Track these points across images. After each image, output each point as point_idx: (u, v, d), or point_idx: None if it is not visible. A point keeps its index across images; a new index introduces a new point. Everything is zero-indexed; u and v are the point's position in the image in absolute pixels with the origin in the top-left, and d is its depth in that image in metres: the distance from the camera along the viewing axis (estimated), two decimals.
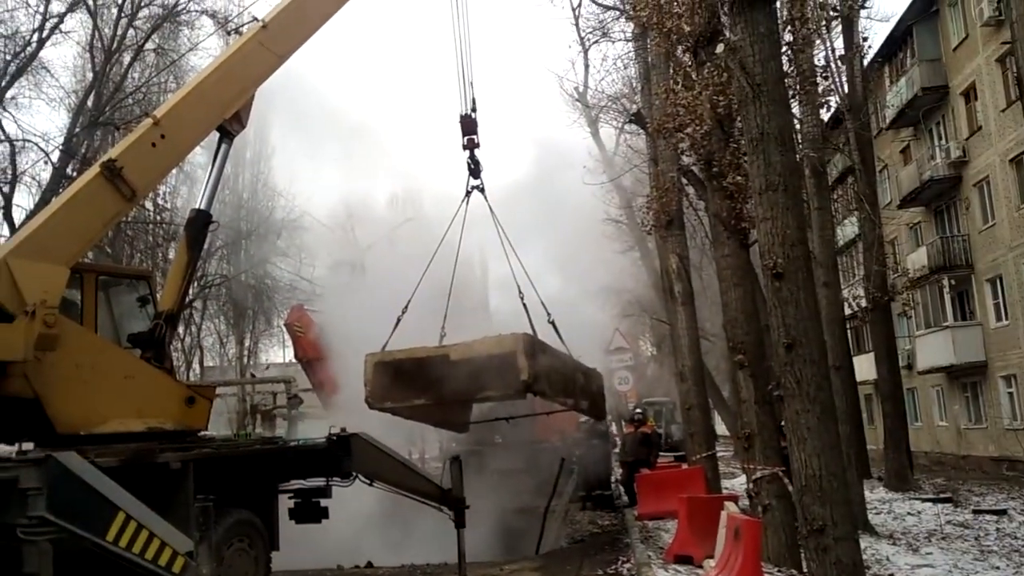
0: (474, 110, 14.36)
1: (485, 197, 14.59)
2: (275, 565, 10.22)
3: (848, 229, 29.45)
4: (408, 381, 12.16)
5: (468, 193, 14.39)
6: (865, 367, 29.24)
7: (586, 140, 28.47)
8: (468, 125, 14.35)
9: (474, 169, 14.43)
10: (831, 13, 13.51)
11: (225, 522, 9.02)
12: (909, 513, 16.30)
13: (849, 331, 25.20)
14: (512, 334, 11.71)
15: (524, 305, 13.18)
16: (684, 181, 16.51)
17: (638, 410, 20.96)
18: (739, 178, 11.14)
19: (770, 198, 7.58)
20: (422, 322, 14.04)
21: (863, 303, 22.54)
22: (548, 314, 13.52)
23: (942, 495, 19.00)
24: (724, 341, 28.85)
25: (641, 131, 20.50)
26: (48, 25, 22.72)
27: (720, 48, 10.82)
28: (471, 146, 14.41)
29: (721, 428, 36.04)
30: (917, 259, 29.15)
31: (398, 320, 13.06)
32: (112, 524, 7.23)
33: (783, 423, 8.69)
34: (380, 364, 12.15)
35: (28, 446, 8.99)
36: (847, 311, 23.21)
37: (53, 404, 8.43)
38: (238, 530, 9.42)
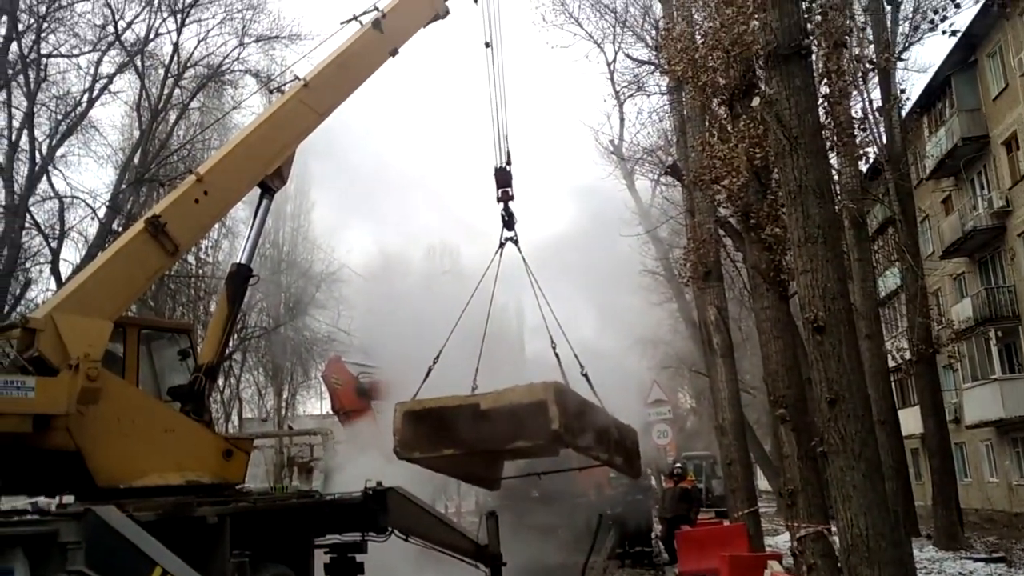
0: (509, 163, 14.51)
1: (519, 248, 14.64)
2: None
3: (890, 280, 29.06)
4: (438, 431, 12.04)
5: (502, 244, 14.47)
6: (911, 421, 28.58)
7: (622, 192, 28.57)
8: (502, 178, 14.49)
9: (508, 221, 14.53)
10: (867, 65, 13.50)
11: None
12: (960, 573, 15.75)
13: (893, 384, 24.66)
14: (543, 383, 11.57)
15: (556, 355, 13.09)
16: (721, 232, 16.43)
17: (678, 464, 20.62)
18: (777, 230, 11.05)
19: (809, 250, 7.48)
20: (456, 371, 14.01)
21: (907, 355, 22.14)
22: (581, 366, 13.40)
23: (995, 554, 18.32)
24: (765, 394, 28.38)
25: (677, 183, 20.52)
26: (98, 86, 23.52)
27: (756, 101, 10.84)
28: (505, 198, 14.53)
29: (763, 483, 35.36)
30: (962, 310, 28.60)
31: (429, 369, 13.03)
32: None
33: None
34: (410, 413, 12.05)
35: (68, 499, 9.08)
36: (891, 363, 22.78)
37: (94, 457, 8.51)
38: None
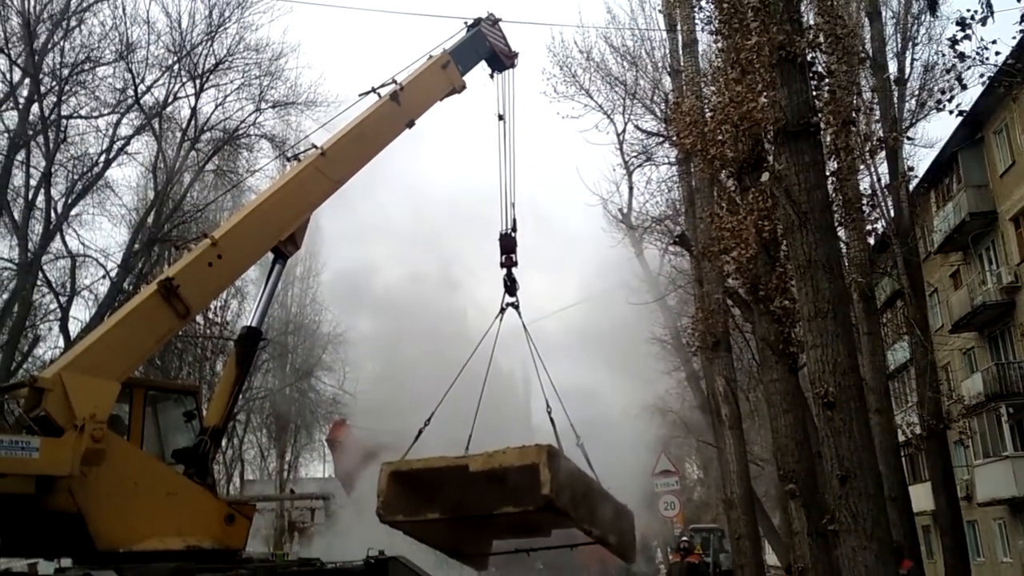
0: (514, 230, 14.68)
1: (519, 314, 14.68)
2: None
3: (899, 354, 28.90)
4: (423, 493, 11.74)
5: (502, 310, 14.50)
6: (922, 497, 28.10)
7: (631, 261, 28.66)
8: (507, 244, 14.64)
9: (510, 287, 14.62)
10: (875, 142, 13.65)
11: None
12: None
13: (904, 459, 24.36)
14: (536, 445, 11.33)
15: (552, 421, 12.95)
16: (730, 303, 16.44)
17: (684, 538, 20.29)
18: (786, 302, 11.07)
19: (819, 325, 7.48)
20: (458, 437, 13.89)
21: (917, 430, 21.87)
22: (577, 436, 13.20)
23: None
24: (773, 466, 27.99)
25: (685, 253, 20.61)
26: (115, 147, 23.93)
27: (765, 175, 10.95)
28: (509, 264, 14.66)
29: (772, 558, 34.63)
30: (972, 386, 28.36)
31: (419, 432, 12.90)
32: None
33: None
34: (396, 474, 11.76)
35: (66, 562, 8.95)
36: (901, 438, 22.52)
37: (95, 520, 8.42)
38: None
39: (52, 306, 23.43)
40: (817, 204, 7.79)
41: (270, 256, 11.95)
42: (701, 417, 35.05)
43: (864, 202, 13.45)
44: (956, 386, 28.43)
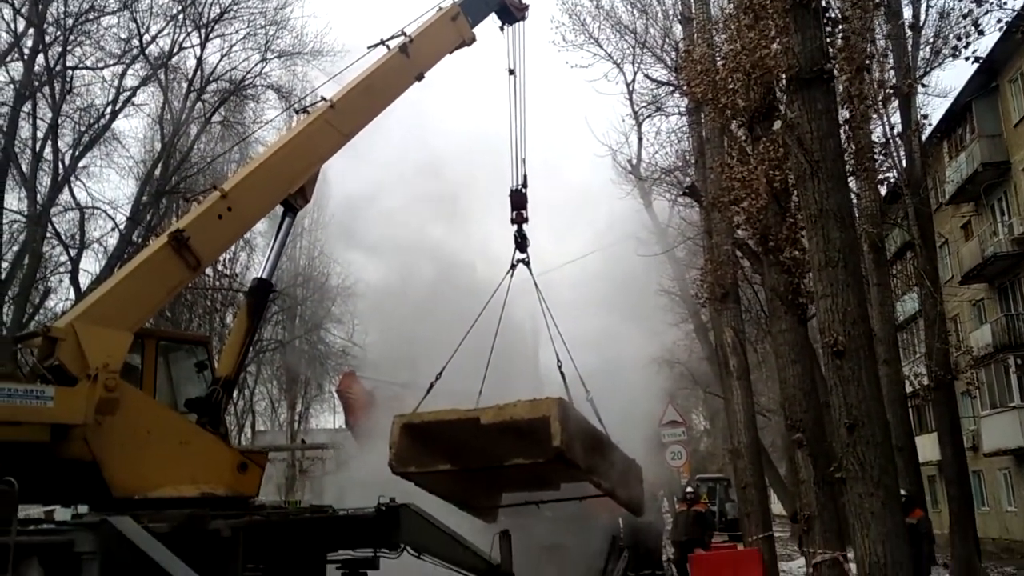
0: (524, 185, 14.60)
1: (530, 270, 14.69)
2: None
3: (908, 305, 28.86)
4: (435, 445, 11.86)
5: (513, 266, 14.52)
6: (928, 447, 28.30)
7: (639, 213, 28.54)
8: (518, 200, 14.58)
9: (520, 243, 14.60)
10: (889, 90, 13.47)
11: None
12: None
13: (910, 410, 24.46)
14: (547, 398, 11.42)
15: (562, 374, 13.03)
16: (739, 254, 16.40)
17: (689, 488, 20.45)
18: (796, 253, 11.03)
19: (829, 275, 7.46)
20: (468, 390, 13.97)
21: (924, 381, 21.93)
22: (586, 391, 13.28)
23: None
24: (780, 417, 28.13)
25: (695, 204, 20.50)
26: (121, 98, 23.80)
27: (776, 124, 10.84)
28: (519, 220, 14.61)
29: (777, 507, 35.03)
30: (981, 337, 28.36)
31: (431, 385, 12.99)
32: None
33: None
34: (408, 426, 11.88)
35: (83, 509, 9.10)
36: (908, 389, 22.57)
37: (110, 468, 8.53)
38: None
39: (62, 259, 23.55)
40: (829, 152, 7.72)
41: (280, 209, 11.96)
42: (708, 369, 35.22)
43: (877, 151, 13.30)
44: (964, 337, 28.41)
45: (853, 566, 8.91)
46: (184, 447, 9.36)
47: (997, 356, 27.11)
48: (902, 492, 13.45)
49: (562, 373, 13.07)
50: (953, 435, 20.55)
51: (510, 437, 11.31)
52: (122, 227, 22.79)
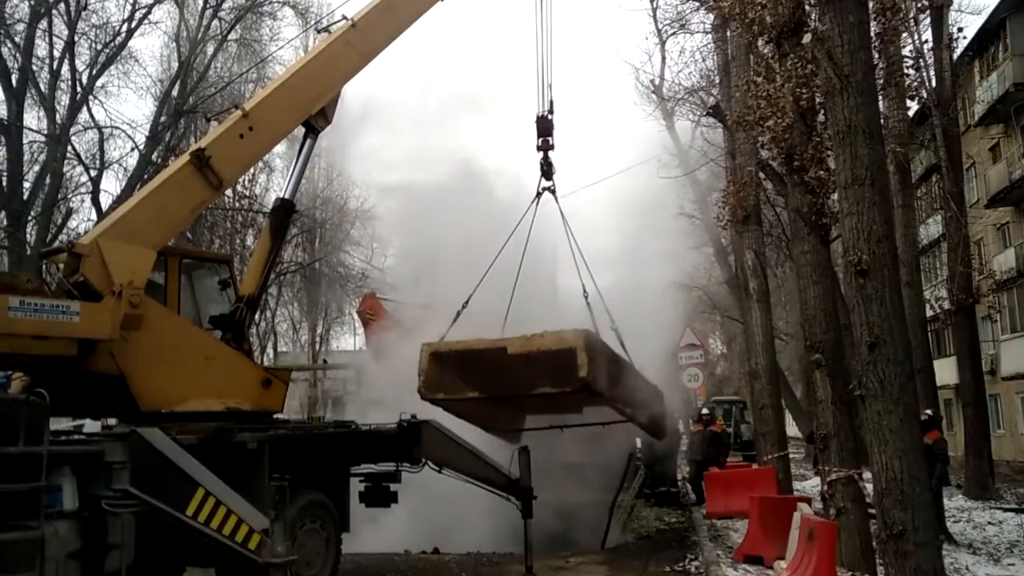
0: (551, 112, 14.36)
1: (556, 199, 14.58)
2: (345, 547, 10.37)
3: (932, 228, 28.54)
4: (463, 373, 12.05)
5: (539, 194, 14.41)
6: (945, 371, 28.31)
7: (661, 133, 28.15)
8: (544, 127, 14.35)
9: (547, 170, 14.44)
10: (923, 3, 13.05)
11: (298, 503, 9.19)
12: (990, 523, 15.72)
13: (930, 334, 24.42)
14: (574, 330, 11.53)
15: (588, 305, 13.07)
16: (762, 176, 16.17)
17: (705, 410, 20.64)
18: (821, 172, 10.87)
19: (856, 192, 7.34)
20: (486, 314, 14.05)
21: (945, 305, 21.84)
22: (612, 320, 13.36)
23: None
24: (797, 341, 28.14)
25: (719, 125, 20.16)
26: (137, 15, 23.47)
27: (805, 39, 10.55)
28: (545, 147, 14.42)
29: (792, 429, 35.35)
30: (1004, 261, 28.08)
31: (458, 313, 13.08)
32: (192, 500, 7.42)
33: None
34: (436, 355, 12.07)
35: (112, 421, 9.31)
36: (928, 313, 22.49)
37: (137, 382, 8.68)
38: (311, 511, 9.59)
39: (83, 179, 23.58)
40: (860, 66, 7.52)
41: (301, 131, 11.89)
42: (726, 293, 35.15)
43: (907, 66, 12.95)
44: (988, 261, 28.15)
45: (868, 485, 9.00)
46: (209, 363, 9.50)
47: (1020, 280, 26.90)
48: (928, 412, 13.57)
49: (588, 304, 13.13)
50: (972, 358, 20.56)
51: (536, 366, 11.49)
52: (141, 147, 22.75)
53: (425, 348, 12.15)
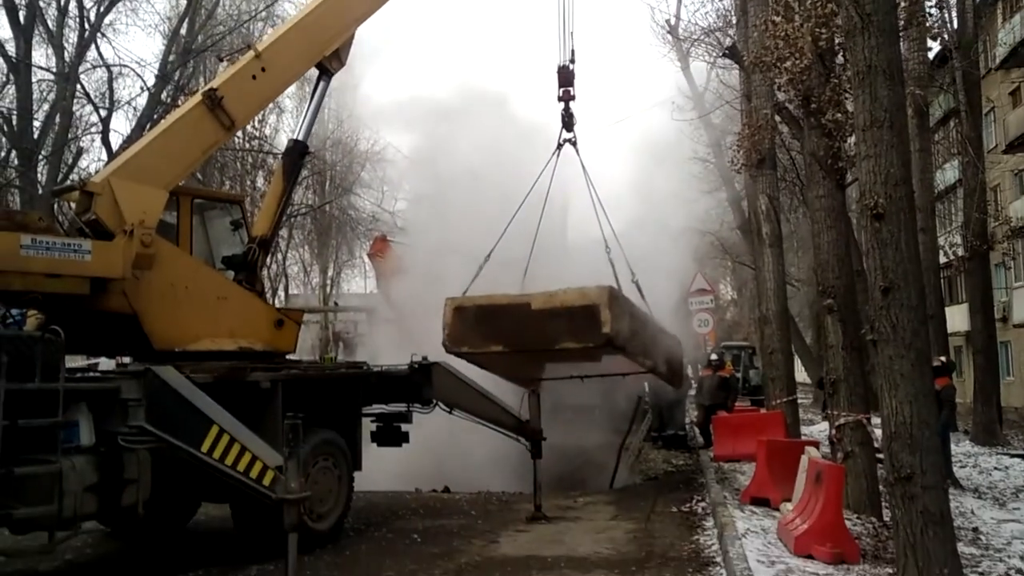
0: (572, 61, 14.11)
1: (577, 151, 14.42)
2: (357, 485, 10.53)
3: (948, 174, 28.21)
4: (486, 327, 12.18)
5: (560, 146, 14.26)
6: (957, 319, 28.29)
7: (676, 75, 27.77)
8: (565, 76, 14.12)
9: (568, 121, 14.25)
10: None
11: (311, 441, 9.29)
12: (996, 468, 15.83)
13: (942, 281, 24.31)
14: (597, 286, 11.61)
15: (611, 261, 13.10)
16: (778, 119, 15.96)
17: (714, 355, 20.69)
18: (838, 115, 10.71)
19: (874, 135, 7.20)
20: (504, 265, 14.03)
21: (959, 251, 21.71)
22: (632, 273, 13.41)
23: None
24: (808, 288, 28.06)
25: (735, 66, 19.84)
26: None
27: None
28: (567, 98, 14.20)
29: (801, 375, 35.47)
30: (1021, 207, 27.83)
31: (480, 267, 13.12)
32: (207, 436, 7.52)
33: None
34: (459, 309, 12.20)
35: (127, 360, 9.39)
36: (942, 260, 22.36)
37: (149, 321, 8.73)
38: (323, 449, 9.70)
39: (93, 118, 23.45)
40: (882, 5, 7.31)
41: (313, 74, 11.77)
42: (738, 239, 34.97)
43: (930, 5, 12.65)
44: (1004, 207, 27.87)
45: (877, 430, 9.04)
46: (222, 302, 9.54)
47: None
48: (941, 359, 13.58)
49: (610, 259, 13.13)
50: (984, 305, 20.51)
51: (559, 321, 11.61)
52: (151, 86, 22.57)
53: (449, 302, 12.29)
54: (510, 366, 13.22)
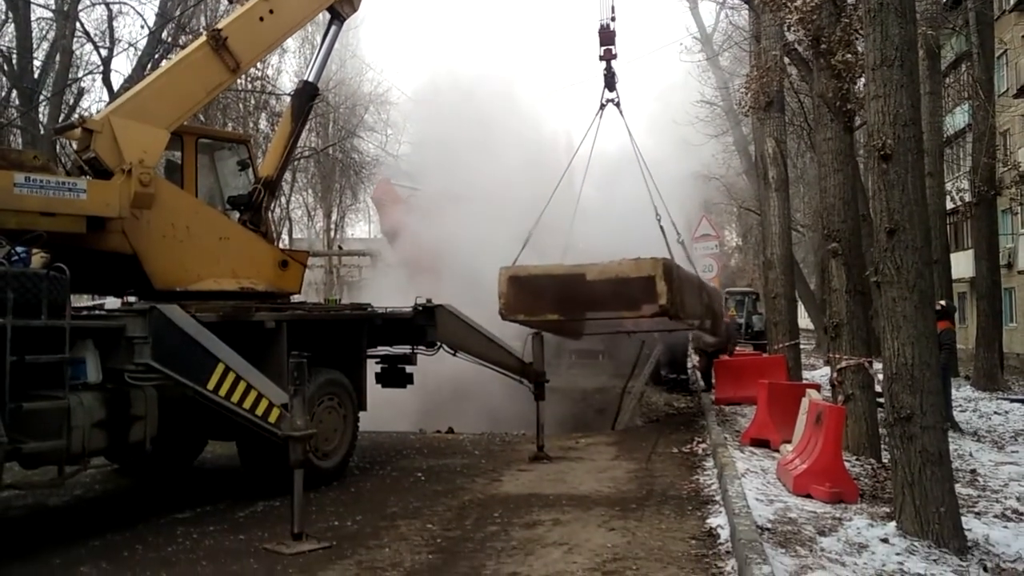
0: (613, 19, 13.90)
1: (620, 111, 14.30)
2: (362, 426, 10.64)
3: (957, 118, 27.88)
4: (541, 297, 12.41)
5: (602, 106, 14.18)
6: (961, 264, 28.21)
7: (684, 16, 27.34)
8: (607, 36, 13.93)
9: (610, 81, 14.10)
10: None
11: (317, 380, 9.37)
12: (996, 413, 15.92)
13: (948, 226, 24.20)
14: (652, 259, 11.69)
15: (661, 228, 13.17)
16: (787, 60, 15.73)
17: None
18: (848, 56, 10.55)
19: (884, 74, 7.10)
20: (514, 213, 14.02)
21: (966, 197, 21.58)
22: (678, 234, 13.60)
23: None
24: (813, 233, 27.98)
25: (744, 6, 19.50)
26: None
27: None
28: (608, 57, 14.02)
29: (804, 321, 35.57)
30: None
31: (529, 235, 13.18)
32: (212, 374, 7.56)
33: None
34: (514, 278, 12.35)
35: (133, 299, 9.43)
36: (949, 205, 22.23)
37: (149, 261, 8.74)
38: (328, 388, 9.79)
39: (93, 58, 23.16)
40: None
41: (322, 18, 11.62)
42: (744, 184, 34.75)
43: None
44: (1013, 152, 27.60)
45: (879, 375, 9.09)
46: (224, 243, 9.53)
47: None
48: (941, 303, 13.59)
49: (661, 227, 13.18)
50: (990, 251, 20.47)
51: (614, 291, 11.78)
52: (151, 25, 22.23)
53: (503, 272, 12.44)
54: (557, 328, 13.57)
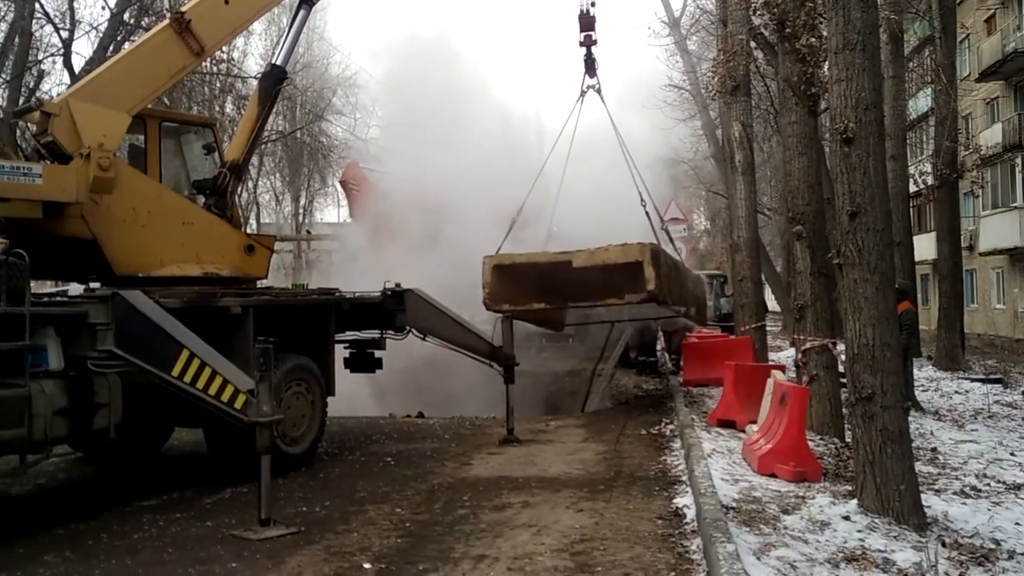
0: (593, 4, 13.89)
1: (602, 98, 14.33)
2: (331, 411, 10.61)
3: (921, 102, 28.25)
4: (526, 285, 12.31)
5: (583, 92, 14.16)
6: (924, 247, 28.66)
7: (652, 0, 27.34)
8: (587, 21, 13.91)
9: (591, 67, 14.08)
10: None
11: (284, 366, 9.30)
12: (957, 392, 16.24)
13: (911, 209, 24.54)
14: (639, 244, 11.67)
15: (647, 214, 13.17)
16: (753, 45, 15.83)
17: None
18: (812, 40, 10.66)
19: (846, 58, 7.18)
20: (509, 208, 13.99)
21: (929, 180, 21.88)
22: (662, 220, 13.64)
23: (992, 376, 18.83)
24: (779, 216, 28.25)
25: None
26: None
27: None
28: (588, 43, 14.01)
29: (771, 303, 35.92)
30: (991, 136, 27.97)
31: (512, 223, 13.13)
32: (177, 361, 7.49)
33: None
34: (498, 267, 12.23)
35: (96, 286, 9.30)
36: (912, 189, 22.53)
37: (110, 246, 8.63)
38: (296, 374, 9.72)
39: (54, 39, 22.70)
40: None
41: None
42: (712, 168, 34.93)
43: None
44: (974, 136, 28.02)
45: (842, 356, 9.22)
46: (188, 227, 9.43)
47: (1005, 155, 26.88)
48: (897, 284, 13.78)
49: (647, 213, 13.19)
50: (952, 233, 20.78)
51: (601, 278, 11.72)
52: (113, 6, 21.80)
53: (488, 260, 12.31)
54: (542, 319, 13.51)
